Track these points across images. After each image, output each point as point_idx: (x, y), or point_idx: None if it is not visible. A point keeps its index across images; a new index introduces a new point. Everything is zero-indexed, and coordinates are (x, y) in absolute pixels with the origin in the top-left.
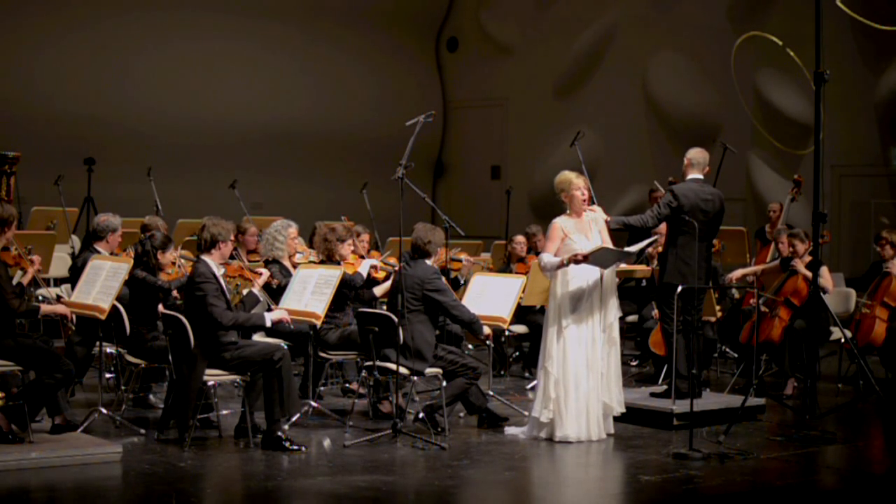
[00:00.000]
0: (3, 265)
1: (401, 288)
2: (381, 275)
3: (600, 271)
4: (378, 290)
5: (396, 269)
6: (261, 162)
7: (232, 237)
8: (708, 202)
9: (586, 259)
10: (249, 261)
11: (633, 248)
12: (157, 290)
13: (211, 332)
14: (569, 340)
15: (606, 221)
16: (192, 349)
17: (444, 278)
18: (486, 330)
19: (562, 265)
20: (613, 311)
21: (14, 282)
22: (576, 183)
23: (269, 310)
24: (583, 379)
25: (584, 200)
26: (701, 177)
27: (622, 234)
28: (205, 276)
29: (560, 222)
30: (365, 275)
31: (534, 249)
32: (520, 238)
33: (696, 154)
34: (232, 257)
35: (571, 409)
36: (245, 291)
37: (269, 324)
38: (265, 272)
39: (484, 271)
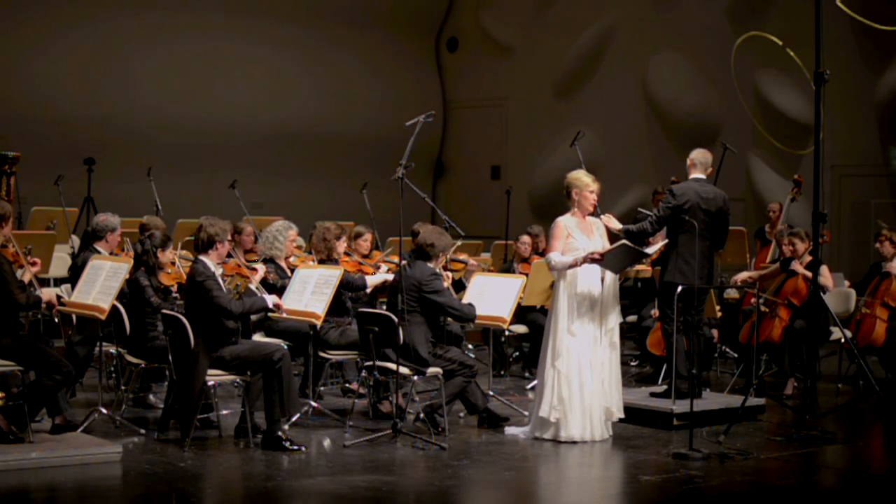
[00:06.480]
0: (7, 260)
1: (400, 288)
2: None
3: (602, 273)
4: (370, 280)
5: (399, 264)
6: (261, 162)
7: (229, 237)
8: (709, 201)
9: (602, 258)
10: (247, 260)
11: (651, 249)
12: (148, 302)
13: (215, 327)
14: (574, 341)
15: (619, 231)
16: (193, 349)
17: (443, 279)
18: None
19: (574, 265)
20: (614, 315)
21: None
22: (592, 186)
23: None
24: (587, 379)
25: (594, 204)
26: (703, 177)
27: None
28: (205, 274)
29: (563, 221)
30: (371, 284)
31: (536, 250)
32: (525, 238)
33: (698, 155)
34: (228, 256)
35: (576, 409)
36: (243, 290)
37: (270, 305)
38: (261, 267)
39: (483, 272)
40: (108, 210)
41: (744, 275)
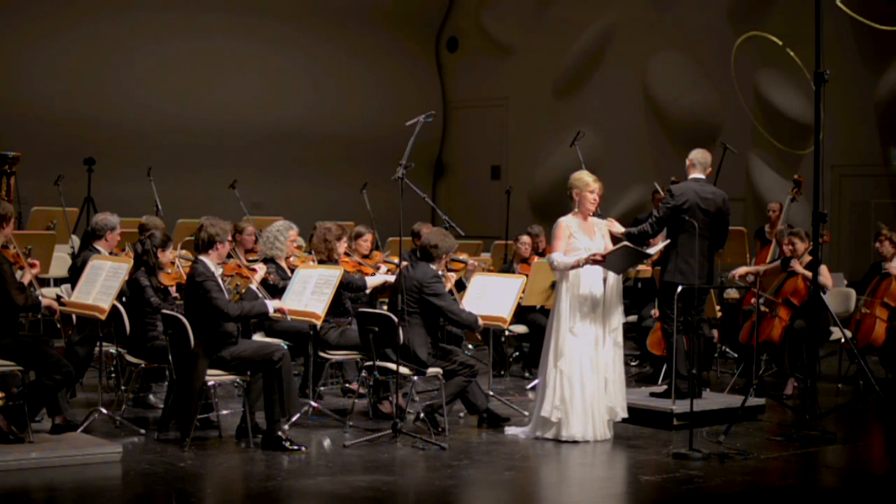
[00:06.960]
0: (7, 261)
1: (401, 288)
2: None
3: (605, 273)
4: (370, 281)
5: (399, 265)
6: (261, 162)
7: (229, 238)
8: (708, 201)
9: (604, 259)
10: (248, 260)
11: (652, 250)
12: (148, 302)
13: (214, 329)
14: (576, 341)
15: (621, 234)
16: (193, 349)
17: (444, 281)
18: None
19: (577, 265)
20: (618, 315)
21: None
22: (591, 185)
23: None
24: (589, 380)
25: (594, 204)
26: (703, 177)
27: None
28: (204, 274)
29: (566, 221)
30: (370, 285)
31: (536, 251)
32: (525, 238)
33: (697, 155)
34: (229, 256)
35: (578, 409)
36: (244, 290)
37: (271, 310)
38: (262, 267)
39: (483, 271)
40: (108, 210)
41: (742, 269)
